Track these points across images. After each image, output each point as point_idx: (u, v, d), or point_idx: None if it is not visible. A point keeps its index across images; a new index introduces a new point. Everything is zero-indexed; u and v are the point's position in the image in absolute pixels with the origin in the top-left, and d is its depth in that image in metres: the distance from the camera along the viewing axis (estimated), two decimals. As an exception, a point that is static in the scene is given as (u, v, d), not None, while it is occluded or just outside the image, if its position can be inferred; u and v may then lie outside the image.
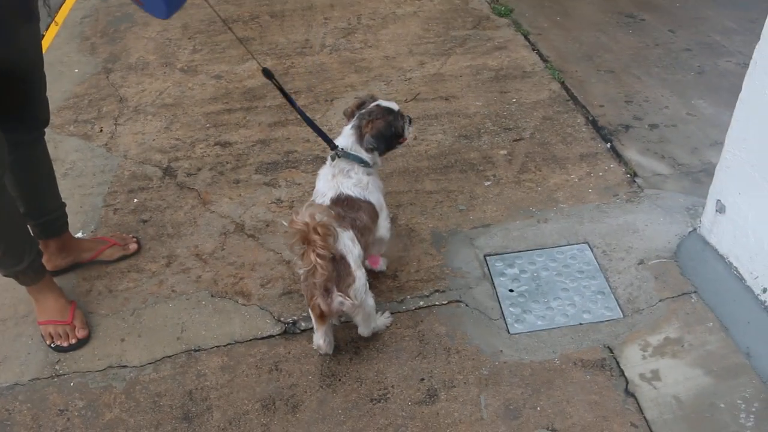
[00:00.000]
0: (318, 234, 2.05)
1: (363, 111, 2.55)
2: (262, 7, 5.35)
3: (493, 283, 2.78)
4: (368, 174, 2.49)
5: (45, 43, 5.16)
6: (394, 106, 2.57)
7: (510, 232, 3.03)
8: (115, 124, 4.12)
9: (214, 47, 4.82)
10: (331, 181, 2.45)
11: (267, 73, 2.53)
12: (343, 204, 2.39)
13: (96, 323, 2.85)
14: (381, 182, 2.60)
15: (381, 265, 2.85)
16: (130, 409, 2.50)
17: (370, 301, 2.38)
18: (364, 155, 2.50)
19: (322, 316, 2.31)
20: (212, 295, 2.89)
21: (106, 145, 3.94)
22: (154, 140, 3.92)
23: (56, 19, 5.51)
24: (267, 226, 3.21)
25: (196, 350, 2.69)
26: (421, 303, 2.74)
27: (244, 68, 4.53)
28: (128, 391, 2.57)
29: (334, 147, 2.51)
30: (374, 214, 2.48)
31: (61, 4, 5.80)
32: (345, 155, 2.48)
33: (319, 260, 2.06)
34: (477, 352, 2.53)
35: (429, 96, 4.06)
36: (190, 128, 3.99)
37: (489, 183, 3.32)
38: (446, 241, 3.01)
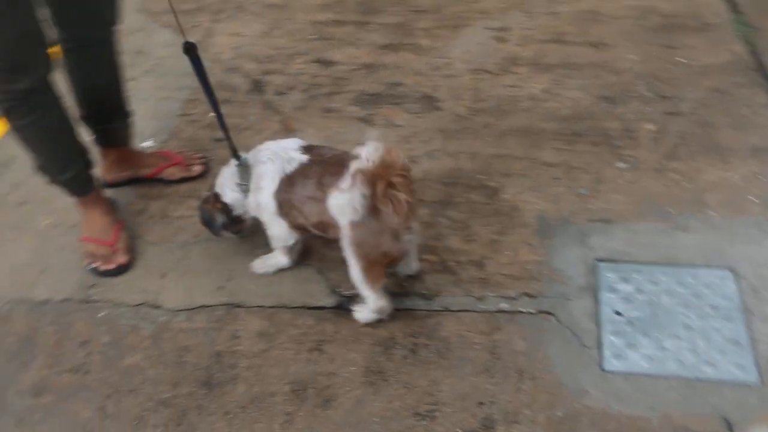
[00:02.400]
0: (400, 175, 1.99)
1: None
2: None
3: (597, 299, 2.39)
4: None
5: None
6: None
7: (635, 234, 2.60)
8: (213, 20, 3.91)
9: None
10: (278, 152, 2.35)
11: (189, 49, 2.32)
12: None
13: (141, 250, 2.72)
14: None
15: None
16: (152, 358, 2.37)
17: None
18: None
19: (394, 261, 2.23)
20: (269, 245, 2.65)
21: (199, 43, 3.70)
22: (250, 46, 3.70)
23: None
24: (350, 171, 2.92)
25: (237, 305, 2.51)
26: (504, 306, 2.41)
27: (368, -27, 4.16)
28: (156, 336, 2.43)
29: (236, 156, 2.38)
30: None
31: None
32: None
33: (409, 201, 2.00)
34: (556, 384, 2.18)
35: (575, 39, 3.58)
36: (292, 37, 3.71)
37: (624, 166, 2.87)
38: (553, 232, 2.63)
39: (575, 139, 3.00)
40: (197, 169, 2.98)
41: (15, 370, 2.38)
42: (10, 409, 2.27)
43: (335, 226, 2.19)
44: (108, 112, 2.79)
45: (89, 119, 2.77)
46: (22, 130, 2.40)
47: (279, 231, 2.40)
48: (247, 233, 2.64)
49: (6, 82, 2.22)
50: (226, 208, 2.44)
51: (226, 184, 2.41)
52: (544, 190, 2.79)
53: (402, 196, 1.98)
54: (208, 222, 2.50)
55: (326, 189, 2.14)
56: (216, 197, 2.44)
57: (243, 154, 2.38)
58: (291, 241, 2.43)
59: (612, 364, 2.21)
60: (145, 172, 2.95)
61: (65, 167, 2.54)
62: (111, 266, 2.63)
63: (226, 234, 2.53)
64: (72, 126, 2.53)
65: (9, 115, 2.33)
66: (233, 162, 2.37)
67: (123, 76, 2.79)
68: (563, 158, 2.92)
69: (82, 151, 2.60)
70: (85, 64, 2.63)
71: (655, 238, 2.59)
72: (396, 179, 1.97)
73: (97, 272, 2.63)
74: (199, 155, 3.04)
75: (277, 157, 2.29)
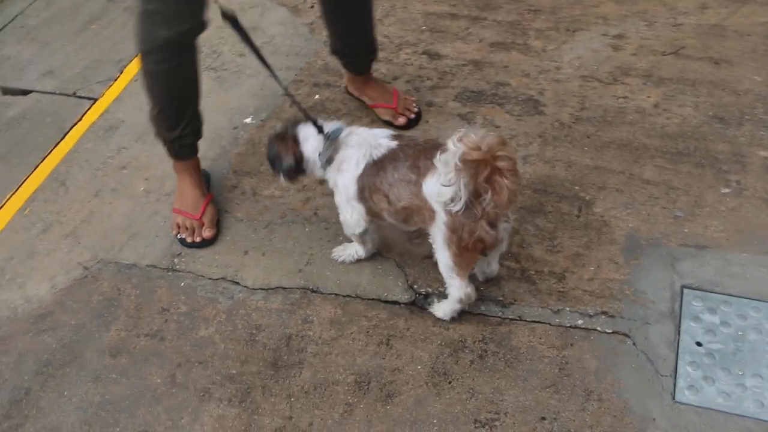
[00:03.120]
0: (506, 160, 1.94)
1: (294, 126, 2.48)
2: None
3: (679, 327, 2.33)
4: None
5: None
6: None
7: (729, 264, 2.52)
8: (329, 2, 3.96)
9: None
10: (365, 136, 2.37)
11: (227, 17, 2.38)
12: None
13: (228, 226, 2.83)
14: None
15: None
16: (225, 333, 2.47)
17: None
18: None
19: (486, 249, 2.20)
20: (352, 233, 2.71)
21: (311, 24, 3.83)
22: (361, 32, 3.73)
23: None
24: (441, 167, 2.93)
25: (313, 290, 2.57)
26: (580, 322, 2.38)
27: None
28: (231, 312, 2.52)
29: (320, 129, 2.39)
30: None
31: None
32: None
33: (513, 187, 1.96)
34: (624, 409, 2.15)
35: (695, 53, 3.46)
36: (404, 26, 3.75)
37: (727, 191, 2.77)
38: (641, 252, 2.57)
39: (679, 158, 2.92)
40: (401, 120, 3.16)
41: (97, 329, 2.52)
42: (89, 367, 2.42)
43: (422, 212, 2.19)
44: (354, 46, 3.09)
45: (337, 51, 3.14)
46: (154, 77, 2.56)
47: (351, 216, 2.41)
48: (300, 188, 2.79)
49: (161, 27, 2.38)
50: (299, 157, 2.42)
51: (311, 139, 2.41)
52: (639, 207, 2.73)
53: (505, 182, 1.94)
54: (274, 159, 2.46)
55: (422, 172, 2.14)
56: (295, 141, 2.42)
57: (325, 123, 2.42)
58: (359, 229, 2.45)
59: (685, 395, 2.15)
60: (368, 101, 3.24)
61: (176, 125, 2.68)
62: (196, 239, 2.74)
63: (283, 179, 2.47)
64: (197, 91, 2.70)
65: (149, 57, 2.49)
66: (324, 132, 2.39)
67: (373, 20, 3.02)
68: (663, 177, 2.85)
69: (197, 117, 2.75)
70: (342, 9, 2.94)
71: (750, 270, 2.50)
72: (501, 164, 1.93)
73: (183, 243, 2.76)
74: (415, 108, 3.22)
75: (365, 143, 2.32)
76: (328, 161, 2.37)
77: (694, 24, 3.63)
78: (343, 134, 2.37)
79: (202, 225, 2.74)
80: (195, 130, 2.75)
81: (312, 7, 3.96)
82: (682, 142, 2.99)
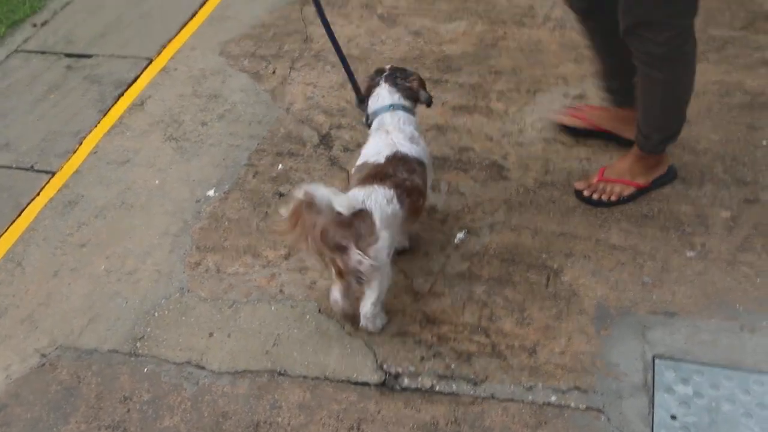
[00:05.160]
0: (307, 206, 2.10)
1: (387, 74, 2.67)
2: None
3: (652, 400, 2.30)
4: (415, 127, 2.60)
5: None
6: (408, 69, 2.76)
7: (699, 331, 2.50)
8: (290, 67, 3.96)
9: (427, -6, 4.47)
10: (386, 138, 2.51)
11: None
12: (399, 162, 2.43)
13: (192, 306, 2.74)
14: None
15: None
16: (190, 422, 2.39)
17: (389, 271, 2.38)
18: (412, 107, 2.67)
19: (340, 274, 2.33)
20: (320, 310, 2.67)
21: (273, 91, 3.79)
22: (323, 97, 3.72)
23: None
24: (408, 239, 2.89)
25: (281, 373, 2.50)
26: (553, 398, 2.33)
27: (449, 28, 4.17)
28: (196, 399, 2.44)
29: (361, 101, 2.70)
30: (424, 172, 2.52)
31: None
32: (396, 109, 2.57)
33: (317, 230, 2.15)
34: (601, 492, 2.08)
35: (655, 113, 3.46)
36: (366, 92, 3.71)
37: (693, 254, 2.76)
38: (611, 322, 2.54)
39: (644, 221, 2.91)
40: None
41: (55, 422, 2.43)
42: (48, 462, 2.31)
43: None
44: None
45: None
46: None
47: None
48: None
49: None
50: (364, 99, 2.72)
51: (376, 97, 2.66)
52: (607, 274, 2.71)
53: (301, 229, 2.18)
54: (368, 90, 2.69)
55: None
56: (370, 89, 2.71)
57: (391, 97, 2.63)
58: None
59: (662, 476, 2.10)
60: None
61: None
62: None
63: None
64: None
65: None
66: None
67: None
68: (630, 241, 2.83)
69: None
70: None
71: (721, 337, 2.48)
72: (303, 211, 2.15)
73: None
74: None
75: (381, 144, 2.56)
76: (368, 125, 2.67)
77: (651, 82, 3.64)
78: (378, 119, 2.61)
79: None
80: None
81: (274, 72, 3.92)
82: (646, 204, 2.98)
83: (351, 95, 3.54)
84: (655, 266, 2.73)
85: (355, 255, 2.19)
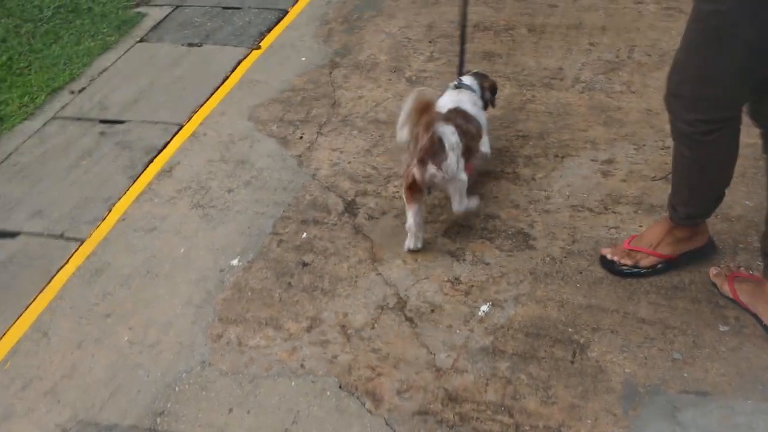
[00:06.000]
0: (422, 111, 2.71)
1: (475, 71, 3.54)
2: (522, 17, 4.89)
3: (683, 489, 2.17)
4: (477, 102, 3.31)
5: (287, 20, 5.17)
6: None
7: (733, 414, 2.39)
8: (318, 132, 3.96)
9: (453, 58, 4.42)
10: (451, 97, 3.26)
11: None
12: (459, 114, 3.11)
13: (212, 380, 2.70)
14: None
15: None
16: (207, 504, 2.30)
17: (463, 176, 3.01)
18: (486, 96, 3.43)
19: (412, 187, 2.94)
20: (340, 386, 2.61)
21: (300, 156, 3.79)
22: (349, 163, 3.70)
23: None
24: (432, 311, 2.86)
25: (299, 454, 2.42)
26: (579, 486, 2.22)
27: (476, 92, 4.12)
28: (214, 479, 2.36)
29: (460, 72, 3.47)
30: (478, 134, 3.19)
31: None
32: (468, 87, 3.35)
33: (421, 132, 2.75)
34: None
35: (686, 178, 3.37)
36: (392, 157, 3.71)
37: (726, 329, 2.66)
38: (640, 402, 2.44)
39: (674, 293, 2.81)
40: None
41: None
42: None
43: None
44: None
45: None
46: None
47: None
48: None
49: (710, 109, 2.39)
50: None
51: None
52: (635, 350, 2.61)
53: (414, 127, 2.78)
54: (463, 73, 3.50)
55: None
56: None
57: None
58: None
59: None
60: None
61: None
62: None
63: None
64: None
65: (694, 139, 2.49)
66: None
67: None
68: (659, 315, 2.74)
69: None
70: None
71: (756, 420, 2.37)
72: (416, 114, 2.75)
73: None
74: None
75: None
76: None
77: (682, 146, 3.56)
78: (458, 87, 3.42)
79: None
80: None
81: (301, 137, 3.92)
82: (677, 275, 2.89)
83: (376, 161, 3.54)
84: (686, 341, 2.63)
85: (431, 168, 2.84)
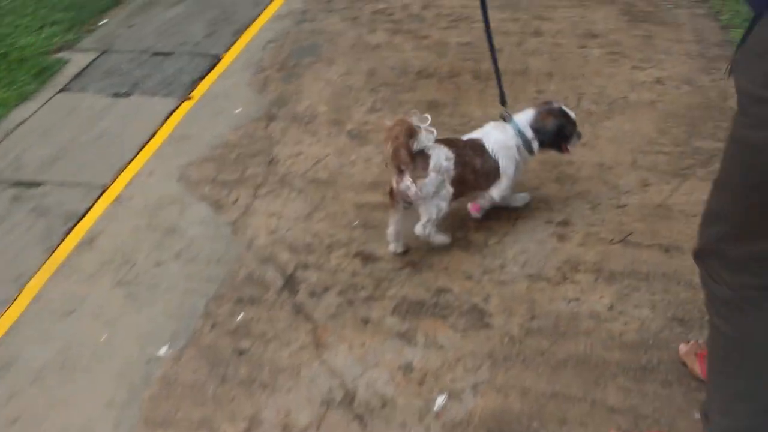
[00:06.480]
0: (399, 128, 2.72)
1: (548, 107, 3.14)
2: (466, 62, 4.68)
3: None
4: (518, 148, 3.07)
5: (220, 66, 4.88)
6: (573, 115, 3.15)
7: None
8: (253, 195, 3.66)
9: (397, 108, 4.23)
10: (484, 129, 3.13)
11: None
12: (470, 144, 3.04)
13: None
14: (522, 166, 3.17)
15: (475, 213, 3.29)
16: None
17: (440, 204, 2.96)
18: (529, 134, 3.08)
19: (391, 194, 2.94)
20: None
21: (234, 223, 3.49)
22: (288, 230, 3.41)
23: (241, 38, 5.22)
24: (383, 406, 2.58)
25: None
26: None
27: (421, 146, 3.87)
28: None
29: (503, 102, 3.16)
30: (491, 173, 3.05)
31: (250, 23, 5.48)
32: (512, 122, 3.09)
33: (394, 146, 2.74)
34: None
35: (644, 240, 3.20)
36: (334, 222, 3.42)
37: (699, 415, 2.42)
38: None
39: (644, 375, 2.59)
40: None
41: None
42: None
43: None
44: None
45: None
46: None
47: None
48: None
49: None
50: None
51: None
52: (607, 447, 2.37)
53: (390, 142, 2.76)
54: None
55: None
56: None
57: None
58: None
59: None
60: None
61: None
62: None
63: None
64: None
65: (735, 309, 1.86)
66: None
67: None
68: (630, 401, 2.52)
69: None
70: None
71: None
72: (395, 131, 2.76)
73: None
74: None
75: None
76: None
77: (638, 204, 3.39)
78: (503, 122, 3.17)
79: None
80: None
81: (236, 201, 3.62)
82: (645, 353, 2.68)
83: (317, 228, 3.26)
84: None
85: (407, 180, 2.79)
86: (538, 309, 2.91)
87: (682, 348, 2.62)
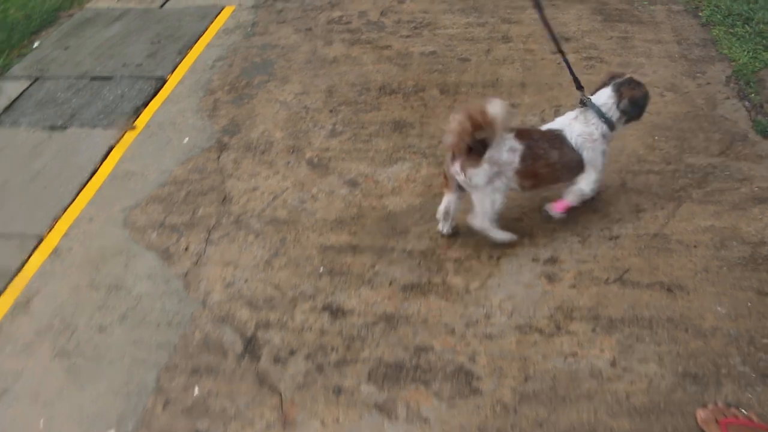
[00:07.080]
0: (470, 115, 2.52)
1: (619, 80, 2.86)
2: (432, 75, 4.34)
3: None
4: (603, 134, 2.84)
5: (166, 90, 4.47)
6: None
7: None
8: (206, 240, 3.29)
9: (359, 130, 3.87)
10: (564, 120, 2.90)
11: None
12: (547, 136, 2.83)
13: None
14: (607, 150, 2.90)
15: (559, 214, 3.11)
16: None
17: (497, 198, 2.83)
18: (614, 116, 2.84)
19: (445, 175, 2.89)
20: None
21: (186, 275, 3.11)
22: (246, 281, 3.05)
23: (187, 57, 4.81)
24: (362, 500, 2.21)
25: None
26: None
27: (390, 174, 3.55)
28: None
29: (579, 87, 2.92)
30: (573, 166, 2.86)
31: (196, 39, 5.07)
32: (594, 107, 2.83)
33: (457, 128, 2.58)
34: None
35: (642, 278, 2.89)
36: (297, 270, 3.07)
37: (727, 497, 2.13)
38: None
39: (657, 446, 2.27)
40: None
41: None
42: None
43: None
44: None
45: None
46: None
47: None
48: None
49: None
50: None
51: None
52: None
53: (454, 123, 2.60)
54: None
55: None
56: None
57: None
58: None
59: None
60: None
61: None
62: None
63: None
64: None
65: None
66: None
67: None
68: (644, 482, 2.18)
69: None
70: None
71: None
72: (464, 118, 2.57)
73: None
74: None
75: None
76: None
77: (631, 235, 3.08)
78: (585, 108, 2.90)
79: None
80: None
81: (186, 249, 3.24)
82: (656, 419, 2.37)
83: (279, 277, 2.93)
84: None
85: (456, 166, 2.74)
86: (532, 368, 2.60)
87: (701, 414, 2.32)
